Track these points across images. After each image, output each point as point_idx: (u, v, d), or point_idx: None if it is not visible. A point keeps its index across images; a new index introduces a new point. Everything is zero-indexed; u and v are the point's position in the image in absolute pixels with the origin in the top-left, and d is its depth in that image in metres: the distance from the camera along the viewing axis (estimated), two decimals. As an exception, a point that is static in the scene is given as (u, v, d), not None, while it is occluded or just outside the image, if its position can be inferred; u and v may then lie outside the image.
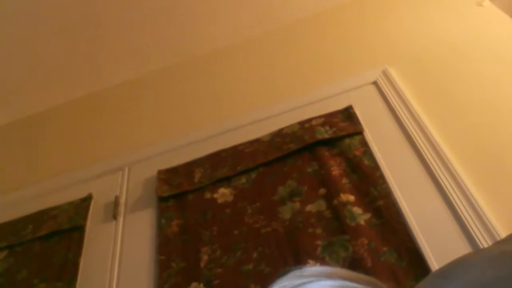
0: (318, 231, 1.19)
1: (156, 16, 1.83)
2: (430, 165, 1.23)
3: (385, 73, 1.55)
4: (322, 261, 1.13)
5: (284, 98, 1.65)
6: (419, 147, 1.29)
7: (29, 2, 1.63)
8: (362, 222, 1.16)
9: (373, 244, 1.11)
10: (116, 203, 1.52)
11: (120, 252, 1.40)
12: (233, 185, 1.41)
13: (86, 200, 1.57)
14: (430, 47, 1.62)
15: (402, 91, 1.46)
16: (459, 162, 1.22)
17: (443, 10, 1.74)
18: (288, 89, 1.70)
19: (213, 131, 1.63)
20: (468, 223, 1.08)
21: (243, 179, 1.42)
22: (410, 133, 1.33)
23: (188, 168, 1.52)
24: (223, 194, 1.40)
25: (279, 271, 0.45)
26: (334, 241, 1.16)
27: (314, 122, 1.47)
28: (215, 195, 1.41)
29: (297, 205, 1.28)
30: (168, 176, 1.52)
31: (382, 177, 1.25)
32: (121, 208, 1.51)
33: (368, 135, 1.39)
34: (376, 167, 1.28)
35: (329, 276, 0.44)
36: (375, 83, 1.55)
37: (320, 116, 1.48)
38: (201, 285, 1.20)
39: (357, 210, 1.19)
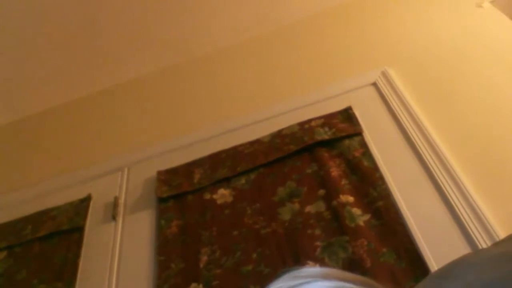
0: (318, 232, 1.19)
1: (156, 16, 1.83)
2: (429, 166, 1.23)
3: (384, 74, 1.55)
4: (321, 262, 1.13)
5: (283, 99, 1.65)
6: (418, 148, 1.29)
7: (29, 2, 1.63)
8: (362, 223, 1.16)
9: (372, 245, 1.11)
10: (115, 203, 1.52)
11: (120, 252, 1.40)
12: (233, 186, 1.41)
13: (86, 201, 1.57)
14: (429, 48, 1.62)
15: (401, 92, 1.47)
16: (458, 163, 1.22)
17: (442, 11, 1.75)
18: (287, 90, 1.70)
19: (212, 132, 1.63)
20: (467, 224, 1.08)
21: (243, 180, 1.42)
22: (410, 134, 1.33)
23: (188, 168, 1.52)
24: (223, 195, 1.40)
25: (278, 272, 0.45)
26: (333, 242, 1.16)
27: (313, 123, 1.47)
28: (215, 196, 1.41)
29: (297, 206, 1.28)
30: (167, 176, 1.52)
31: (381, 178, 1.25)
32: (121, 209, 1.51)
33: (368, 136, 1.39)
34: (375, 168, 1.29)
35: (325, 277, 0.44)
36: (374, 84, 1.55)
37: (319, 117, 1.48)
38: (201, 285, 1.20)
39: (356, 211, 1.19)
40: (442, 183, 1.19)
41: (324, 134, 1.41)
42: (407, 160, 1.29)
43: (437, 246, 1.07)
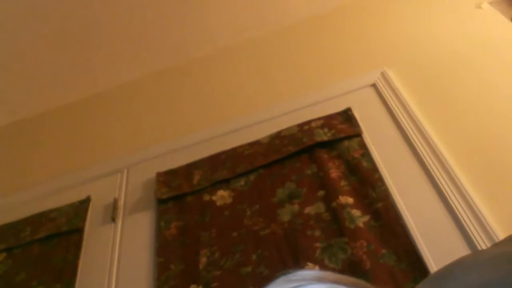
0: (317, 233, 1.19)
1: (154, 18, 1.84)
2: (429, 167, 1.24)
3: (383, 76, 1.55)
4: (321, 263, 1.13)
5: (283, 100, 1.65)
6: (418, 149, 1.29)
7: (28, 5, 1.63)
8: (361, 225, 1.16)
9: (372, 246, 1.11)
10: (115, 205, 1.52)
11: (119, 254, 1.39)
12: (232, 187, 1.41)
13: (85, 203, 1.56)
14: (429, 49, 1.62)
15: (400, 93, 1.47)
16: (457, 164, 1.22)
17: (441, 12, 1.75)
18: (287, 91, 1.70)
19: (212, 133, 1.63)
20: (467, 225, 1.08)
21: (242, 181, 1.42)
22: (409, 135, 1.33)
23: (187, 170, 1.52)
24: (222, 196, 1.40)
25: (277, 274, 0.45)
26: (333, 244, 1.16)
27: (313, 124, 1.47)
28: (214, 197, 1.41)
29: (296, 207, 1.28)
30: (167, 178, 1.52)
31: (380, 179, 1.25)
32: (120, 211, 1.51)
33: (367, 137, 1.39)
34: (374, 169, 1.29)
35: (319, 280, 0.44)
36: (374, 85, 1.55)
37: (319, 118, 1.48)
38: (200, 287, 1.19)
39: (356, 212, 1.19)
40: (441, 184, 1.19)
41: (323, 135, 1.41)
42: (406, 161, 1.29)
43: (437, 247, 1.07)
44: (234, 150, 1.51)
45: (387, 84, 1.52)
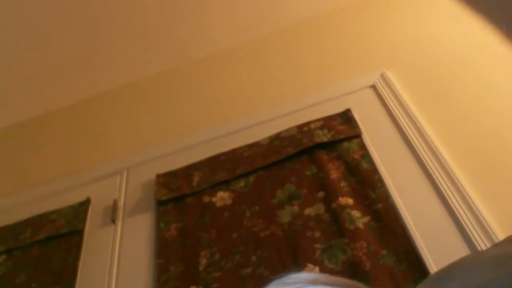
0: (317, 234, 1.19)
1: (154, 19, 1.84)
2: (428, 168, 1.24)
3: (383, 77, 1.55)
4: (321, 264, 1.13)
5: (282, 101, 1.65)
6: (417, 150, 1.29)
7: (28, 6, 1.63)
8: (361, 225, 1.16)
9: (372, 247, 1.11)
10: (114, 207, 1.52)
11: (119, 256, 1.39)
12: (232, 189, 1.41)
13: (85, 204, 1.56)
14: (428, 50, 1.62)
15: (400, 94, 1.47)
16: (457, 165, 1.22)
17: (441, 13, 1.75)
18: (286, 92, 1.70)
19: (211, 135, 1.63)
20: (467, 225, 1.08)
21: (242, 183, 1.42)
22: (408, 136, 1.34)
23: (187, 171, 1.52)
24: (222, 197, 1.40)
25: (271, 278, 0.46)
26: (333, 245, 1.16)
27: (312, 125, 1.47)
28: (214, 199, 1.41)
29: (296, 208, 1.28)
30: (166, 179, 1.52)
31: (380, 180, 1.25)
32: (120, 212, 1.51)
33: (367, 138, 1.39)
34: (374, 170, 1.29)
35: (312, 283, 0.44)
36: (373, 86, 1.55)
37: (318, 119, 1.48)
38: (200, 288, 1.20)
39: (355, 213, 1.19)
40: (441, 184, 1.19)
41: (323, 137, 1.41)
42: (406, 162, 1.29)
43: (436, 247, 1.07)
44: (233, 151, 1.51)
45: (387, 85, 1.52)
